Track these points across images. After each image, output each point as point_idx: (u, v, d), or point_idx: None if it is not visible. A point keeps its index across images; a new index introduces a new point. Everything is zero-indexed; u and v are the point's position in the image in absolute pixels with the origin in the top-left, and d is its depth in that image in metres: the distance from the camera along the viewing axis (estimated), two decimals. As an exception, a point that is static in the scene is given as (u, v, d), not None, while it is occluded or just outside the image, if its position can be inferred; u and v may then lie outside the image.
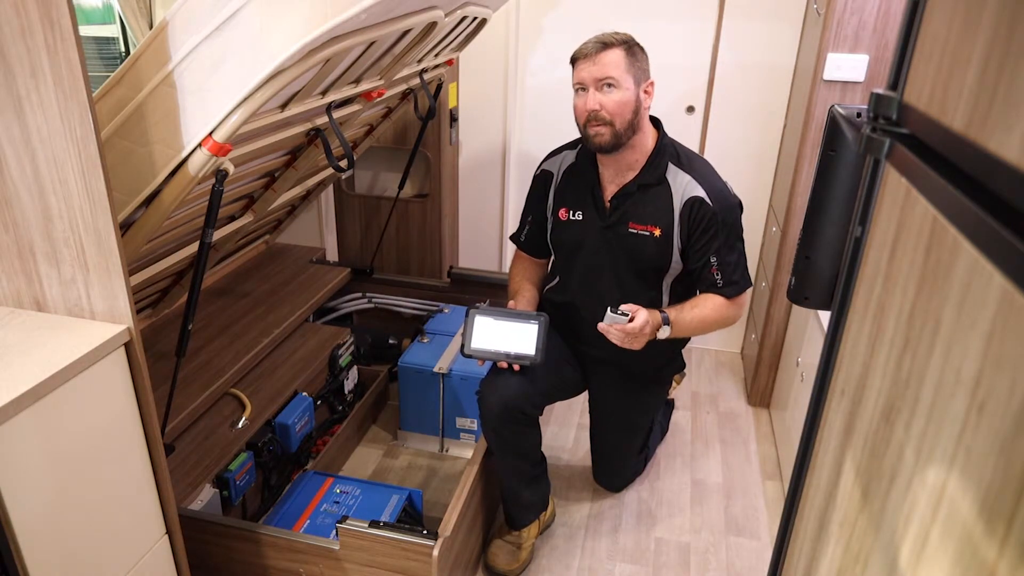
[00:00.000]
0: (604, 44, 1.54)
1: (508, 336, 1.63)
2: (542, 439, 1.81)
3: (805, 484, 0.81)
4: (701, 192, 1.61)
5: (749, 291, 1.71)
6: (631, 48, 1.56)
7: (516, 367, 1.64)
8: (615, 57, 1.53)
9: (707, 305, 1.68)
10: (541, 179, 1.81)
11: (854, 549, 0.62)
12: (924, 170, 0.53)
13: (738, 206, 1.66)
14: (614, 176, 1.68)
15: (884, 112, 0.64)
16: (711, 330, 1.73)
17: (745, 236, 1.69)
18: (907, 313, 0.55)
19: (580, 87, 1.58)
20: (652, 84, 1.60)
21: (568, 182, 1.75)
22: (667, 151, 1.65)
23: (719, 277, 1.65)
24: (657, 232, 1.65)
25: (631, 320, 1.56)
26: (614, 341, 1.59)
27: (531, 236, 1.86)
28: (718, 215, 1.61)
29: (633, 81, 1.56)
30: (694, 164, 1.66)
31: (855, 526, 0.62)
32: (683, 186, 1.63)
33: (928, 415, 0.49)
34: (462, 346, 1.65)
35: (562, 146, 1.81)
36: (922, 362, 0.51)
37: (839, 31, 1.93)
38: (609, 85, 1.54)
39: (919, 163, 0.54)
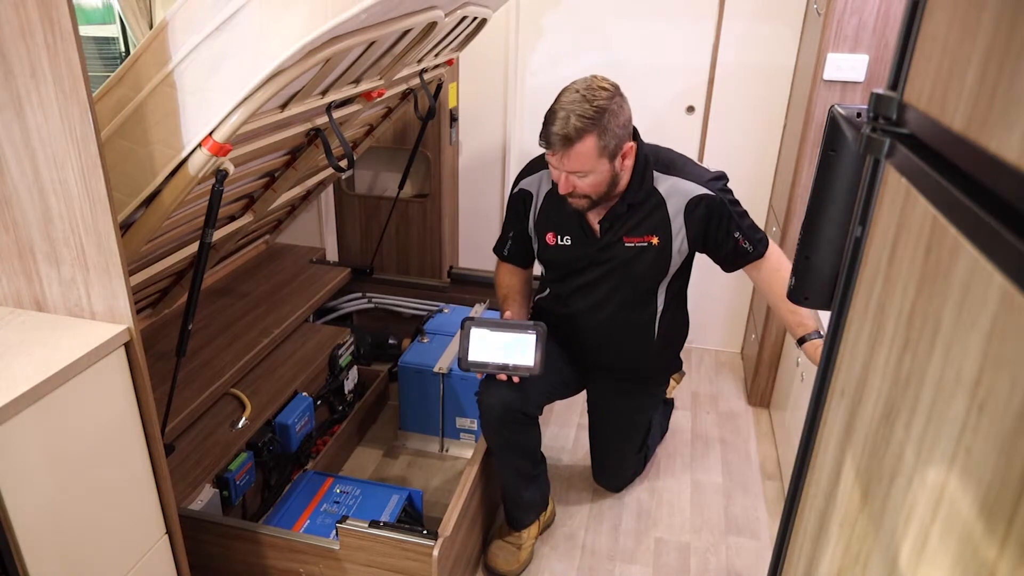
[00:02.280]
0: (570, 139, 1.44)
1: (506, 347, 1.59)
2: (542, 439, 1.81)
3: (805, 484, 0.81)
4: (699, 189, 1.60)
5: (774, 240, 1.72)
6: (603, 127, 1.45)
7: (516, 379, 1.60)
8: (583, 150, 1.45)
9: (781, 279, 1.63)
10: (519, 199, 1.74)
11: (854, 549, 0.62)
12: (924, 170, 0.53)
13: (724, 177, 1.65)
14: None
15: (884, 112, 0.64)
16: None
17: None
18: (907, 313, 0.55)
19: (552, 165, 1.54)
20: (632, 147, 1.54)
21: (550, 206, 1.70)
22: (649, 164, 1.62)
23: (748, 246, 1.64)
24: (655, 241, 1.64)
25: None
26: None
27: (514, 251, 1.82)
28: (719, 200, 1.61)
29: (608, 159, 1.49)
30: (675, 164, 1.64)
31: (855, 526, 0.62)
32: (676, 191, 1.61)
33: (928, 415, 0.49)
34: (459, 359, 1.62)
35: (536, 162, 1.73)
36: (922, 362, 0.51)
37: (839, 31, 1.93)
38: (581, 175, 1.50)
39: (919, 163, 0.54)
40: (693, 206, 1.61)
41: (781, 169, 2.45)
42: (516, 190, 1.76)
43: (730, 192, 1.65)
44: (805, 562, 0.78)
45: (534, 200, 1.72)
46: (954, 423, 0.44)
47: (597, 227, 1.66)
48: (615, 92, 1.49)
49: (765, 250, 1.67)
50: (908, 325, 0.54)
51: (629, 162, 1.56)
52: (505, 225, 1.83)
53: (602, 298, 1.73)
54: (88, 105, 0.98)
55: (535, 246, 1.77)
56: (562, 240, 1.70)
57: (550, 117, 1.48)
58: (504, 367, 1.59)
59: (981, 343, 0.41)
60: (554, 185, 1.67)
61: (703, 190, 1.60)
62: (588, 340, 1.81)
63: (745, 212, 1.67)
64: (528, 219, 1.75)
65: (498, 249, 1.87)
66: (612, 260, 1.67)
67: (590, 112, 1.43)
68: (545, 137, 1.49)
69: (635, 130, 1.64)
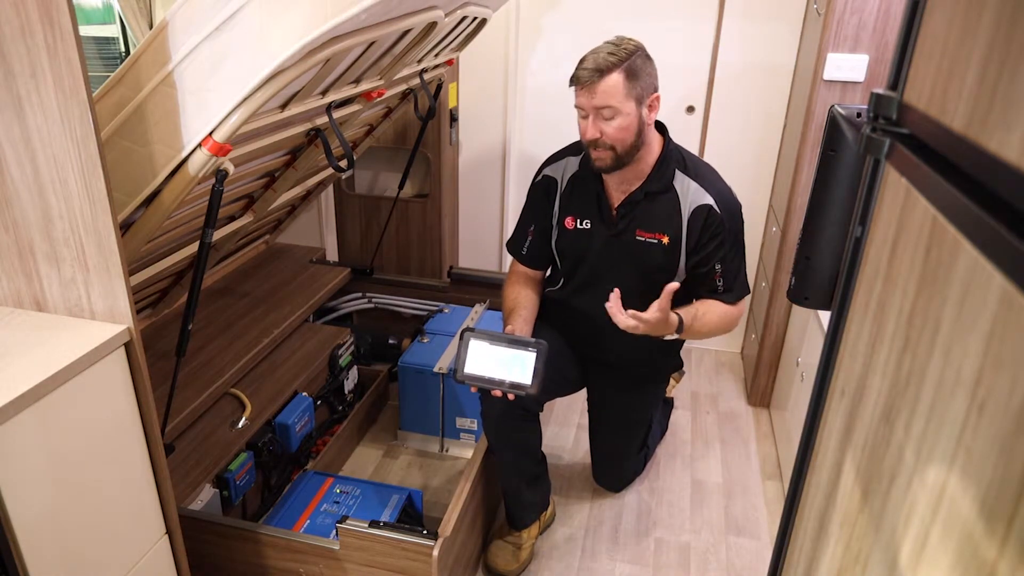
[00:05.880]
0: (600, 71, 1.47)
1: (503, 363, 1.55)
2: (542, 438, 1.81)
3: (805, 484, 0.81)
4: (710, 200, 1.60)
5: (747, 299, 1.70)
6: (631, 67, 1.48)
7: (511, 396, 1.55)
8: (612, 84, 1.47)
9: (715, 311, 1.65)
10: (543, 186, 1.75)
11: (854, 549, 0.62)
12: (924, 170, 0.53)
13: (741, 211, 1.65)
14: (620, 184, 1.65)
15: (884, 112, 0.64)
16: (712, 337, 1.71)
17: (745, 236, 1.69)
18: (907, 313, 0.55)
19: (580, 112, 1.54)
20: (657, 97, 1.55)
21: (574, 190, 1.71)
22: (673, 157, 1.63)
23: (720, 283, 1.64)
24: (665, 240, 1.63)
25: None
26: (619, 322, 1.52)
27: (533, 248, 1.79)
28: (726, 223, 1.60)
29: (634, 103, 1.50)
30: (700, 170, 1.64)
31: (855, 526, 0.62)
32: (691, 193, 1.61)
33: (928, 415, 0.49)
34: (454, 371, 1.57)
35: (563, 150, 1.76)
36: (922, 362, 0.51)
37: (839, 31, 1.93)
38: (608, 114, 1.50)
39: (919, 163, 0.54)
40: (698, 214, 1.61)
41: (781, 169, 2.45)
42: (540, 178, 1.76)
43: (740, 228, 1.64)
44: (805, 562, 0.78)
45: (559, 185, 1.73)
46: (954, 423, 0.44)
47: (615, 213, 1.67)
48: (643, 48, 1.54)
49: (732, 301, 1.65)
50: (908, 325, 0.54)
51: (653, 118, 1.57)
52: (524, 218, 1.81)
53: (608, 291, 1.72)
54: (88, 105, 0.98)
55: (553, 235, 1.76)
56: (581, 224, 1.69)
57: (580, 61, 1.52)
58: (500, 383, 1.54)
59: (981, 343, 0.41)
60: (580, 168, 1.69)
61: (713, 204, 1.60)
62: (594, 333, 1.80)
63: (742, 257, 1.66)
64: (553, 206, 1.74)
65: (515, 247, 1.83)
66: (623, 252, 1.67)
67: (621, 52, 1.49)
68: (575, 76, 1.52)
69: (664, 127, 1.66)
